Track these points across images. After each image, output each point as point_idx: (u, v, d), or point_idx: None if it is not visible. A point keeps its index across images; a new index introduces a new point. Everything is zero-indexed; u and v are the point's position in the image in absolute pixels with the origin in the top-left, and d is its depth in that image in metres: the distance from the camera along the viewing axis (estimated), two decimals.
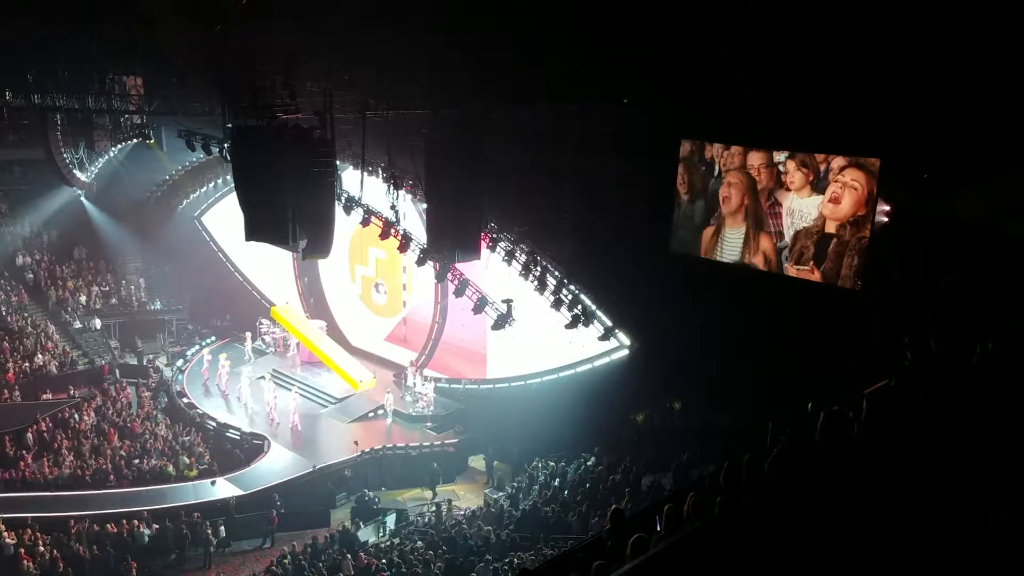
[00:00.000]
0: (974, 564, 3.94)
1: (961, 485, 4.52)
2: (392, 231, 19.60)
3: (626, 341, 19.37)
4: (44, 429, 22.19)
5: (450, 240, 14.93)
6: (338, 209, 16.41)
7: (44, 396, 24.66)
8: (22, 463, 20.61)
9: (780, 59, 11.40)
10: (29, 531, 17.64)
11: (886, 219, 12.09)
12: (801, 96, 11.56)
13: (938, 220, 11.35)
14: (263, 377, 26.65)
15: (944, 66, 10.16)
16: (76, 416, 23.20)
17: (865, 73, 10.84)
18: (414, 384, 25.31)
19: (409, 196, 19.55)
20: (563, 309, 18.65)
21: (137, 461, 21.28)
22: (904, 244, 11.90)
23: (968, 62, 9.99)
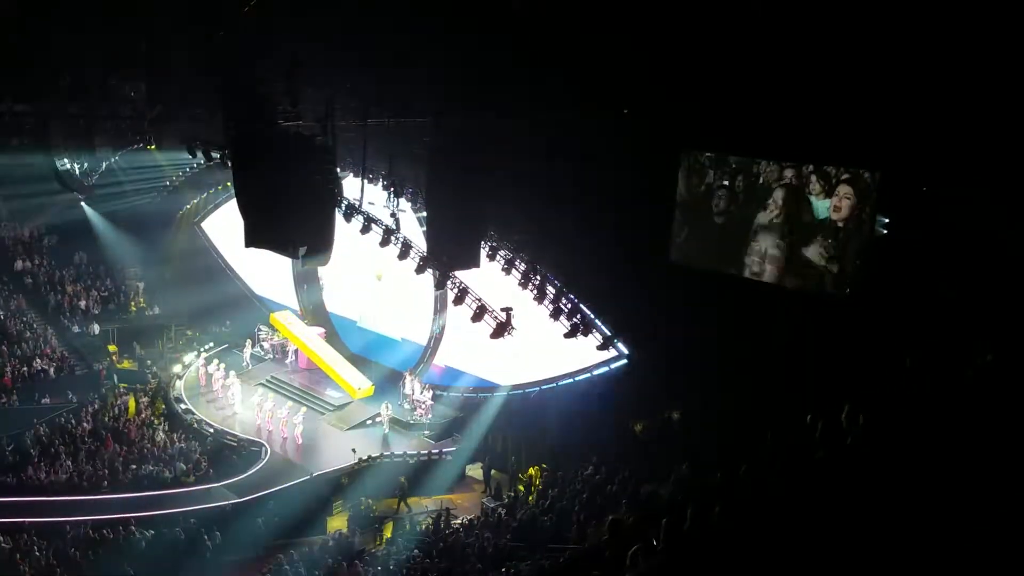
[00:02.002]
0: (974, 564, 3.94)
1: (960, 491, 4.51)
2: (392, 239, 19.59)
3: (625, 350, 19.34)
4: (41, 434, 22.12)
5: (450, 248, 14.92)
6: (338, 216, 16.39)
7: (42, 401, 24.61)
8: (19, 467, 20.53)
9: (781, 69, 11.46)
10: (25, 535, 17.56)
11: (885, 231, 12.19)
12: (802, 107, 11.63)
13: (938, 232, 11.41)
14: (261, 384, 26.56)
15: (944, 78, 10.21)
16: (73, 421, 23.16)
17: (865, 83, 10.90)
18: (412, 392, 25.26)
19: (409, 204, 19.55)
20: (562, 318, 18.63)
21: (134, 467, 21.21)
22: (904, 256, 11.96)
23: (969, 74, 10.04)
